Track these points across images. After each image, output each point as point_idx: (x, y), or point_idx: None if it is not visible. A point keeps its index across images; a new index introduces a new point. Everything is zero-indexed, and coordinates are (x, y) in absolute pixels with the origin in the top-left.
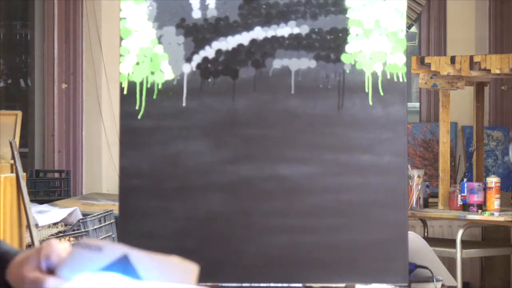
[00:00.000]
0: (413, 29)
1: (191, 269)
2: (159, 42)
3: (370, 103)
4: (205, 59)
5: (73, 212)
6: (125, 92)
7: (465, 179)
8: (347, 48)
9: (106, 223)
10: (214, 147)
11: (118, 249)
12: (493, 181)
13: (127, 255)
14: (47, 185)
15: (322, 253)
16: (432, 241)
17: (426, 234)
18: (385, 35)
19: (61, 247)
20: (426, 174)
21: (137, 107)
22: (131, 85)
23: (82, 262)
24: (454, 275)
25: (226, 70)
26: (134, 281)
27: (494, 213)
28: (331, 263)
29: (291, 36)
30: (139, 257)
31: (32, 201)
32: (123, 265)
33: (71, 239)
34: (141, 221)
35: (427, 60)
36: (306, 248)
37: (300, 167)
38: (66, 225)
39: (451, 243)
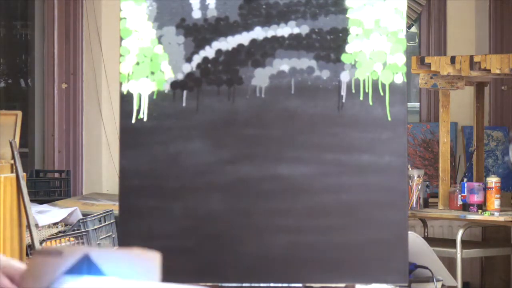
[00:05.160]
0: (413, 29)
1: (153, 257)
2: (159, 42)
3: (370, 103)
4: (205, 59)
5: (73, 212)
6: (125, 92)
7: (465, 179)
8: (347, 48)
9: (106, 223)
10: (214, 147)
11: (78, 251)
12: (493, 181)
13: (87, 254)
14: (47, 185)
15: (322, 253)
16: (432, 241)
17: (426, 234)
18: (385, 35)
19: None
20: (426, 174)
21: (137, 107)
22: (131, 85)
23: (44, 269)
24: (454, 275)
25: (226, 70)
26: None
27: (494, 213)
28: (331, 263)
29: (291, 36)
30: (100, 254)
31: (32, 201)
32: (85, 265)
33: (71, 239)
34: (141, 221)
35: (427, 60)
36: (306, 248)
37: (300, 167)
38: (66, 225)
39: (451, 243)
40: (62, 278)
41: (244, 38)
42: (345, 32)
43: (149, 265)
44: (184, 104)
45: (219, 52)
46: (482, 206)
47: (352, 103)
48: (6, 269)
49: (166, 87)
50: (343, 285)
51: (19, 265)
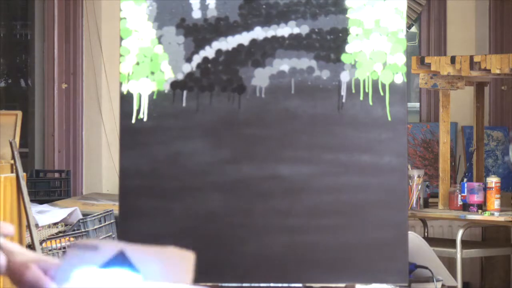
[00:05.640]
0: (413, 29)
1: (188, 257)
2: (159, 42)
3: (370, 103)
4: (205, 59)
5: (73, 212)
6: (125, 92)
7: (465, 179)
8: (347, 48)
9: (106, 223)
10: (214, 147)
11: (114, 246)
12: (493, 181)
13: (123, 250)
14: (47, 185)
15: (322, 253)
16: (432, 241)
17: (426, 234)
18: (385, 35)
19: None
20: (426, 174)
21: (137, 107)
22: (131, 85)
23: (80, 262)
24: (454, 275)
25: (226, 70)
26: (134, 279)
27: (494, 213)
28: (331, 263)
29: (291, 36)
30: (135, 251)
31: (32, 201)
32: (120, 261)
33: (71, 239)
34: (141, 221)
35: (427, 60)
36: (306, 248)
37: (300, 167)
38: (66, 225)
39: (451, 243)
40: (94, 270)
41: (244, 38)
42: (345, 32)
43: (183, 264)
44: (184, 104)
45: (219, 52)
46: (482, 206)
47: (352, 103)
48: (41, 262)
49: (166, 87)
50: (343, 285)
51: (53, 260)
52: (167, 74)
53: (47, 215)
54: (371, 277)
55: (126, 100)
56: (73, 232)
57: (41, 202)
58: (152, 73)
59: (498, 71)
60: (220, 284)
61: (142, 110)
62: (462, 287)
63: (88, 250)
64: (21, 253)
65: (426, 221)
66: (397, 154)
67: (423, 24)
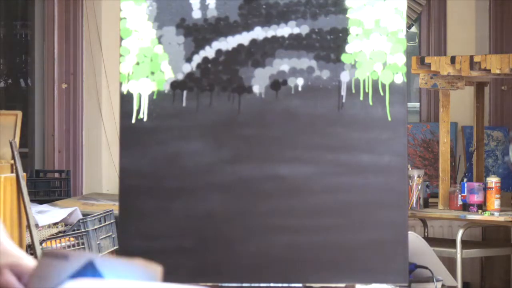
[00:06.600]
0: (413, 29)
1: (155, 270)
2: (159, 42)
3: (370, 103)
4: (205, 59)
5: (73, 212)
6: (125, 92)
7: (465, 179)
8: (347, 48)
9: (106, 223)
10: (214, 147)
11: (83, 256)
12: (493, 181)
13: (92, 261)
14: (47, 185)
15: (322, 253)
16: (432, 241)
17: (426, 234)
18: (385, 35)
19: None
20: (426, 174)
21: (137, 107)
22: (131, 85)
23: (51, 271)
24: (454, 275)
25: (226, 70)
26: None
27: (494, 213)
28: (331, 263)
29: (291, 36)
30: (103, 262)
31: (32, 201)
32: (89, 271)
33: (71, 239)
34: (141, 221)
35: (427, 60)
36: (306, 248)
37: (300, 167)
38: (66, 225)
39: (451, 243)
40: (66, 282)
41: (244, 38)
42: (345, 32)
43: (150, 276)
44: (184, 104)
45: (219, 52)
46: (482, 206)
47: (352, 103)
48: (15, 267)
49: (166, 87)
50: (343, 285)
51: (29, 263)
52: (167, 74)
53: (47, 215)
54: (371, 277)
55: (126, 100)
56: (73, 232)
57: (41, 202)
58: (152, 73)
59: (498, 71)
60: (220, 284)
61: (142, 110)
62: (462, 287)
63: (58, 260)
64: (3, 253)
65: (426, 221)
66: (397, 154)
67: (423, 24)
